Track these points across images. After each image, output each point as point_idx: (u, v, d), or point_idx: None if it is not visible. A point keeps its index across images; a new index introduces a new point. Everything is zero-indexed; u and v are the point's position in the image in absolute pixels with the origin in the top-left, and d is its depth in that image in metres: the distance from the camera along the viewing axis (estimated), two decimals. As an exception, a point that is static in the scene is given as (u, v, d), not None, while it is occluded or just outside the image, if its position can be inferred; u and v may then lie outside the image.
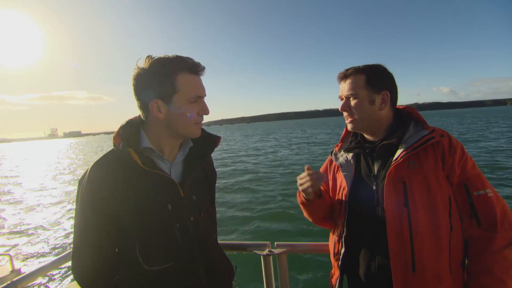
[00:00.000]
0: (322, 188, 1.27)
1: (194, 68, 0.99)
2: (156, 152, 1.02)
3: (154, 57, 0.96)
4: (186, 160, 1.11)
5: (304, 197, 1.22)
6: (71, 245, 1.00)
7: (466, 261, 1.05)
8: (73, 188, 12.46)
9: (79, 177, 1.01)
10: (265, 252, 1.45)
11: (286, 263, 1.47)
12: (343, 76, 1.17)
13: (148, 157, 1.00)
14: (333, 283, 1.25)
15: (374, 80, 1.13)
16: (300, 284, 3.61)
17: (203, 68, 1.01)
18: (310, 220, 1.35)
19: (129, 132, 1.01)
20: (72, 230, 1.00)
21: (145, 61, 0.96)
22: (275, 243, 1.50)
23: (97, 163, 0.98)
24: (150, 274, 0.98)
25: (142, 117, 1.04)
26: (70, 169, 20.48)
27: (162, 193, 1.00)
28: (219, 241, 1.26)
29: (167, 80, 0.94)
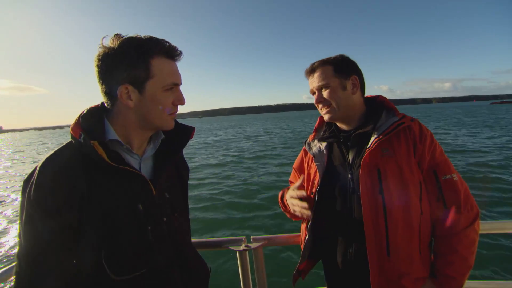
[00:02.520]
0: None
1: (171, 52, 0.88)
2: (124, 145, 0.90)
3: (124, 36, 0.83)
4: (157, 154, 1.00)
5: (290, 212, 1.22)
6: (12, 260, 0.81)
7: (433, 242, 1.13)
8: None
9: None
10: (242, 247, 1.41)
11: (262, 257, 1.44)
12: (311, 70, 1.19)
13: (114, 151, 0.87)
14: (296, 268, 1.28)
15: (341, 67, 1.16)
16: (276, 277, 3.64)
17: (180, 53, 0.91)
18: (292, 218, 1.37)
19: (91, 122, 0.87)
20: (12, 240, 0.80)
21: (114, 39, 0.82)
22: (251, 238, 1.46)
23: (49, 160, 0.81)
24: (120, 284, 0.86)
25: (106, 104, 0.90)
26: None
27: (132, 192, 0.88)
28: (192, 240, 1.18)
29: (141, 63, 0.83)
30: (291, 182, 1.48)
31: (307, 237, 1.21)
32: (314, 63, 1.18)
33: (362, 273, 1.07)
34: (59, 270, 0.81)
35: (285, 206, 1.35)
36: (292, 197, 1.18)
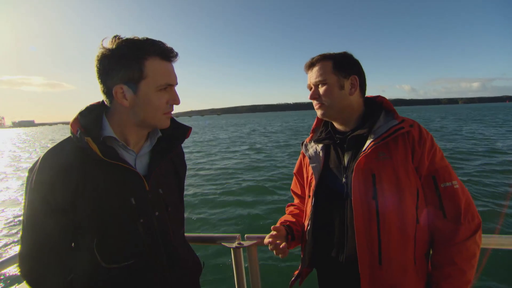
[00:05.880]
0: (291, 223, 1.26)
1: (166, 54, 0.92)
2: (120, 142, 0.95)
3: (122, 38, 0.88)
4: (153, 151, 1.04)
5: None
6: (18, 245, 0.91)
7: (431, 252, 1.07)
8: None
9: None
10: (235, 244, 1.43)
11: (256, 255, 1.45)
12: (310, 65, 1.15)
13: (110, 147, 0.93)
14: (294, 274, 1.25)
15: (342, 65, 1.11)
16: (270, 277, 3.66)
17: (176, 55, 0.94)
18: None
19: (89, 119, 0.93)
20: (20, 227, 0.91)
21: (112, 41, 0.87)
22: (245, 236, 1.47)
23: (50, 151, 0.89)
24: (109, 272, 0.92)
25: (106, 103, 0.96)
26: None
27: (125, 186, 0.93)
28: (186, 234, 1.22)
29: (134, 64, 0.87)
30: (293, 192, 1.44)
31: (307, 243, 1.19)
32: (314, 57, 1.14)
33: (354, 281, 1.04)
34: (54, 252, 0.89)
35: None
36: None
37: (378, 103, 1.17)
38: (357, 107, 1.15)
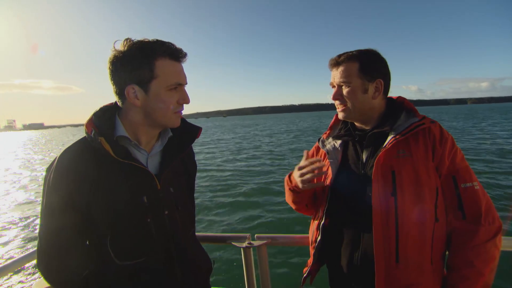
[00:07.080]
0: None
1: (175, 54, 0.94)
2: (132, 141, 0.97)
3: (133, 40, 0.91)
4: (165, 150, 1.06)
5: (298, 185, 1.13)
6: (36, 243, 0.93)
7: (447, 254, 1.05)
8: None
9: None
10: (245, 244, 1.43)
11: (266, 255, 1.45)
12: (335, 63, 1.12)
13: (123, 146, 0.94)
14: (304, 271, 1.24)
15: (368, 67, 1.08)
16: (280, 276, 3.68)
17: (185, 55, 0.96)
18: (293, 207, 1.31)
19: (102, 120, 0.95)
20: (38, 226, 0.93)
21: (123, 43, 0.90)
22: (255, 235, 1.48)
23: (67, 151, 0.92)
24: (122, 269, 0.93)
25: (118, 103, 0.98)
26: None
27: (137, 184, 0.95)
28: (197, 233, 1.22)
29: (145, 65, 0.89)
30: None
31: (319, 238, 1.16)
32: (341, 56, 1.11)
33: (368, 279, 1.02)
34: (70, 249, 0.91)
35: (291, 182, 1.22)
36: (300, 166, 1.09)
37: (398, 103, 1.16)
38: (378, 108, 1.14)
